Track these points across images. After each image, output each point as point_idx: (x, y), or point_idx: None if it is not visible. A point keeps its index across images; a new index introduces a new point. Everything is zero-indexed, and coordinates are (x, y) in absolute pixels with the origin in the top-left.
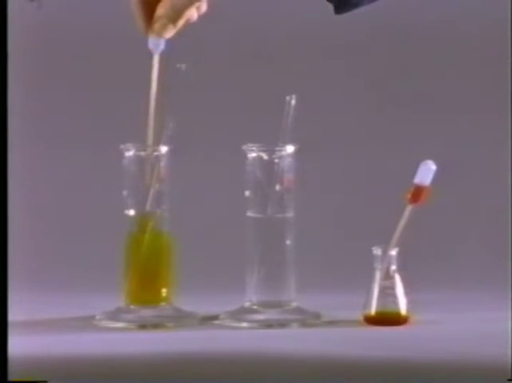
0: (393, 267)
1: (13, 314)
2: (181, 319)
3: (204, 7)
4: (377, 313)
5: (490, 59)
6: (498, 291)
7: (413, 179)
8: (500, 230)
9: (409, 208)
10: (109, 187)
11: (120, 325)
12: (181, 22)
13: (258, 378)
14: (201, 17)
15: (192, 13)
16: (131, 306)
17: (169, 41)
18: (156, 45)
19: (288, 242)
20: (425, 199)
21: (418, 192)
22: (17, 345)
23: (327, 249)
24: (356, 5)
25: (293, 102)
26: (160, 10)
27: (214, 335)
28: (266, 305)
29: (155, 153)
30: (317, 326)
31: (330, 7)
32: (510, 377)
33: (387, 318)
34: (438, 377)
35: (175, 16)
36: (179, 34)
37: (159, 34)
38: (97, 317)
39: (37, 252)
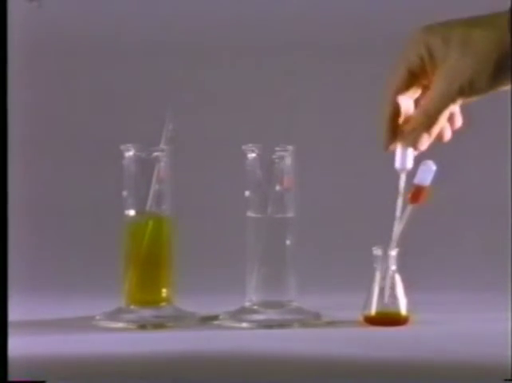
0: (393, 267)
1: (13, 314)
2: (181, 319)
3: (459, 120)
4: (377, 313)
5: None
6: (497, 291)
7: (413, 179)
8: (500, 230)
9: (409, 208)
10: (109, 187)
11: (120, 325)
12: (436, 130)
13: (258, 378)
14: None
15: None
16: (132, 306)
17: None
18: (404, 162)
19: (288, 242)
20: (425, 199)
21: (418, 192)
22: (17, 345)
23: (327, 249)
24: None
25: (293, 103)
26: (412, 119)
27: (214, 335)
28: (266, 305)
29: (156, 153)
30: (317, 326)
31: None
32: (509, 377)
33: (388, 318)
34: (438, 376)
35: (429, 123)
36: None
37: (414, 146)
38: (97, 317)
39: (37, 252)
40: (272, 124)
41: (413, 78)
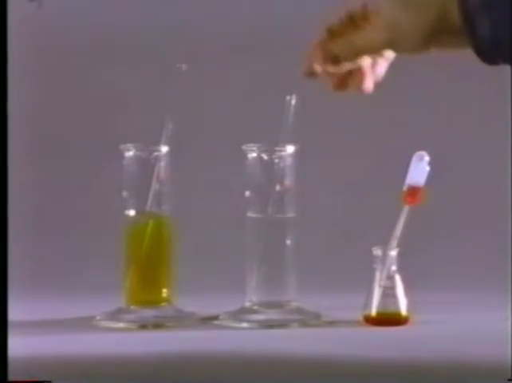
0: (393, 268)
1: (13, 314)
2: (181, 319)
3: (382, 68)
4: (377, 313)
5: None
6: (498, 291)
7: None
8: (500, 230)
9: (406, 208)
10: (109, 187)
11: (120, 325)
12: (346, 67)
13: (258, 378)
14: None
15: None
16: (132, 307)
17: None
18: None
19: (288, 242)
20: (421, 199)
21: (413, 193)
22: (17, 345)
23: (327, 249)
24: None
25: (294, 102)
26: (338, 42)
27: (214, 335)
28: (266, 305)
29: (156, 153)
30: (317, 326)
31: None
32: (510, 377)
33: (388, 319)
34: (438, 376)
35: (351, 55)
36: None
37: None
38: (98, 317)
39: (38, 252)
40: (272, 124)
41: (351, 23)
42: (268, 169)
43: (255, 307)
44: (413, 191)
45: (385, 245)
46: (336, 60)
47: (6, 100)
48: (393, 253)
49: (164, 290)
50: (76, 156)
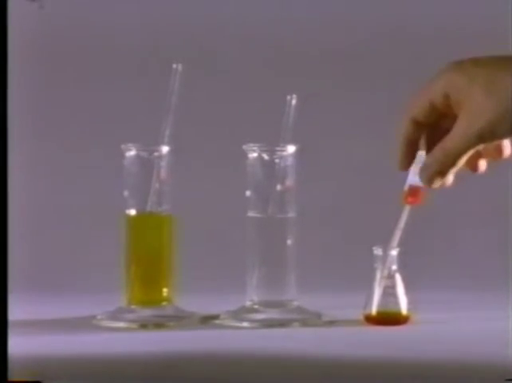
0: (394, 267)
1: (13, 314)
2: (182, 319)
3: (506, 151)
4: (378, 312)
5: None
6: (498, 290)
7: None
8: (500, 229)
9: (407, 208)
10: (110, 186)
11: (120, 324)
12: (452, 172)
13: (259, 378)
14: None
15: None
16: (132, 306)
17: None
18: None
19: (289, 241)
20: (421, 199)
21: (413, 193)
22: (17, 345)
23: (328, 249)
24: None
25: (294, 102)
26: (431, 155)
27: (215, 335)
28: (267, 304)
29: (156, 153)
30: (317, 326)
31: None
32: (510, 377)
33: (388, 318)
34: (438, 376)
35: (446, 162)
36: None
37: (427, 183)
38: (98, 316)
39: (38, 252)
40: (273, 124)
41: (433, 111)
42: (268, 169)
43: (256, 307)
44: (414, 191)
45: (386, 244)
46: (440, 176)
47: (6, 100)
48: (394, 252)
49: (165, 290)
50: (76, 156)
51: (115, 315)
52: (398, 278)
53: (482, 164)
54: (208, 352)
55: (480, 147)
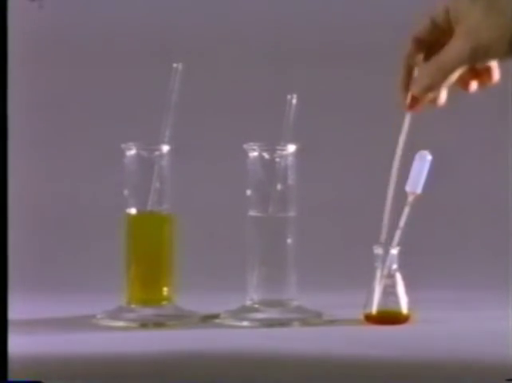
0: (394, 266)
1: (13, 314)
2: (182, 318)
3: (495, 76)
4: (378, 312)
5: None
6: (499, 290)
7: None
8: (500, 229)
9: (408, 208)
10: (110, 185)
11: (121, 324)
12: (444, 87)
13: (259, 378)
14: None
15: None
16: (133, 305)
17: None
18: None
19: (289, 241)
20: (422, 108)
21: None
22: (17, 345)
23: (328, 248)
24: None
25: (294, 101)
26: (424, 68)
27: (215, 334)
28: (267, 304)
29: (157, 152)
30: (318, 325)
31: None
32: (510, 377)
33: (389, 317)
34: (439, 375)
35: (440, 75)
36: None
37: (420, 94)
38: (98, 316)
39: (38, 251)
40: (273, 123)
41: (434, 28)
42: (269, 168)
43: (256, 306)
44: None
45: (386, 243)
46: (431, 88)
47: (6, 100)
48: (394, 251)
49: (165, 289)
50: (76, 156)
51: (115, 314)
52: (398, 277)
53: (474, 85)
54: (208, 351)
55: (473, 65)
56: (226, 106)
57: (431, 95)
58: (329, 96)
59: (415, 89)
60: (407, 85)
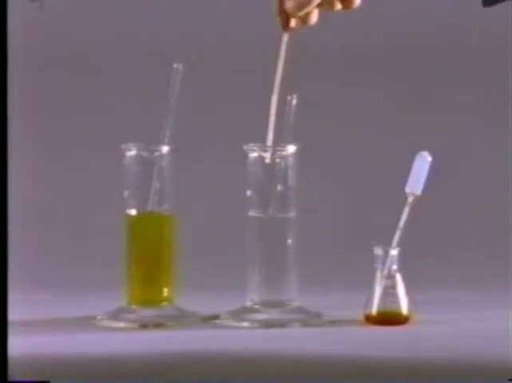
0: (394, 267)
1: (13, 314)
2: (182, 319)
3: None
4: (378, 312)
5: (490, 59)
6: (498, 290)
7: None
8: (500, 230)
9: (408, 208)
10: (110, 186)
11: (121, 324)
12: (313, 7)
13: (259, 378)
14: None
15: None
16: (133, 306)
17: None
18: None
19: (289, 241)
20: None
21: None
22: (17, 345)
23: (328, 249)
24: None
25: (295, 102)
26: None
27: (215, 335)
28: (268, 304)
29: (157, 153)
30: (318, 326)
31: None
32: (510, 377)
33: (389, 318)
34: (439, 376)
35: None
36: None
37: (291, 12)
38: (98, 316)
39: (38, 252)
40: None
41: None
42: (269, 169)
43: (256, 307)
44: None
45: (386, 244)
46: (303, 5)
47: (6, 100)
48: (394, 252)
49: (165, 290)
50: (76, 156)
51: (115, 315)
52: (398, 277)
53: (338, 5)
54: (208, 352)
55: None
56: (226, 107)
57: (302, 13)
58: (329, 96)
59: (289, 7)
60: (282, 8)
